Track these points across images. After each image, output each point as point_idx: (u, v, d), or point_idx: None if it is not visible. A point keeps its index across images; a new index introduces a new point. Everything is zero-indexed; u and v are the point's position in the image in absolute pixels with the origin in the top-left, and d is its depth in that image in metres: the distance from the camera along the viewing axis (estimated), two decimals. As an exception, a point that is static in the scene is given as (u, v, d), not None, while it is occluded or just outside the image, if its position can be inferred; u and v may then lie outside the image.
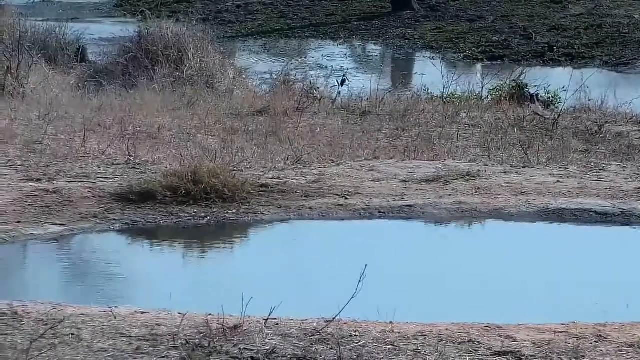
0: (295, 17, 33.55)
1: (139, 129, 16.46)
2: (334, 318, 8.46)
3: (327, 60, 28.73)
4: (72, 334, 8.55)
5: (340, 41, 31.35)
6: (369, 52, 31.03)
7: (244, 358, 8.08)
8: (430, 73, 24.19)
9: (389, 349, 8.37)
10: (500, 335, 8.72)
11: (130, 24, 27.68)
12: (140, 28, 23.45)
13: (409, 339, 8.52)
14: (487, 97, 19.84)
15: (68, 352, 8.11)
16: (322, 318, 8.51)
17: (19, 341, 8.04)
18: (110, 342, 8.47)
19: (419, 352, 8.28)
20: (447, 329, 8.72)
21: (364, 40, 31.44)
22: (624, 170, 14.79)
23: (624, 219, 12.56)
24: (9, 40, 21.65)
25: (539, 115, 18.52)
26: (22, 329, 8.56)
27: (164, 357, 8.08)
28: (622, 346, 8.69)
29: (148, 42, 21.36)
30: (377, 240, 12.16)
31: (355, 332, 8.58)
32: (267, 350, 8.09)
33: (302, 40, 32.00)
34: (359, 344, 8.42)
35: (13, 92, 19.48)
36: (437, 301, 10.23)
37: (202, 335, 8.27)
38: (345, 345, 8.28)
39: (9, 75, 19.88)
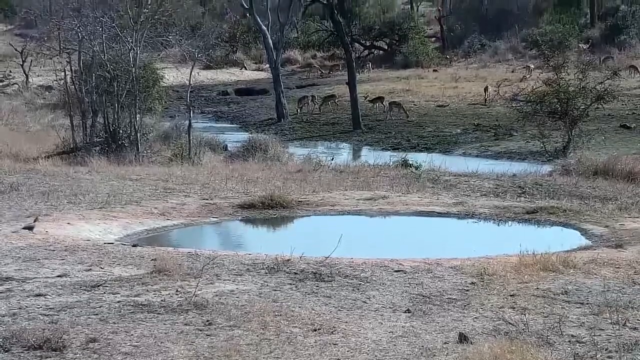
0: (312, 132, 40.20)
1: (246, 177, 20.18)
2: (328, 257, 11.30)
3: (326, 149, 35.42)
4: (220, 262, 11.37)
5: (331, 142, 38.15)
6: (342, 146, 37.23)
7: (290, 272, 10.74)
8: (369, 155, 30.88)
9: (351, 268, 11.05)
10: (398, 263, 11.40)
11: (246, 134, 35.95)
12: (250, 136, 32.06)
13: (360, 265, 11.25)
14: (392, 165, 24.54)
15: (222, 268, 11.06)
16: (323, 256, 11.34)
17: (199, 265, 10.86)
18: (235, 266, 11.20)
19: (363, 269, 10.99)
20: (375, 260, 11.50)
21: (340, 142, 38.12)
22: (447, 196, 18.65)
23: (448, 214, 16.52)
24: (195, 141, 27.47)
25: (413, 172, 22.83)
26: (199, 260, 11.41)
27: (259, 272, 10.83)
28: (448, 268, 11.21)
29: (252, 142, 28.16)
30: (347, 223, 16.21)
31: (337, 262, 11.29)
32: (301, 269, 10.78)
33: (316, 141, 38.32)
34: (339, 267, 11.10)
35: (195, 162, 24.85)
36: (373, 249, 13.52)
37: (273, 263, 11.05)
38: (332, 267, 11.00)
39: (190, 156, 25.91)
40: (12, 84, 49.56)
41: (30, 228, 13.73)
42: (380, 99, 42.86)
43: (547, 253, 11.65)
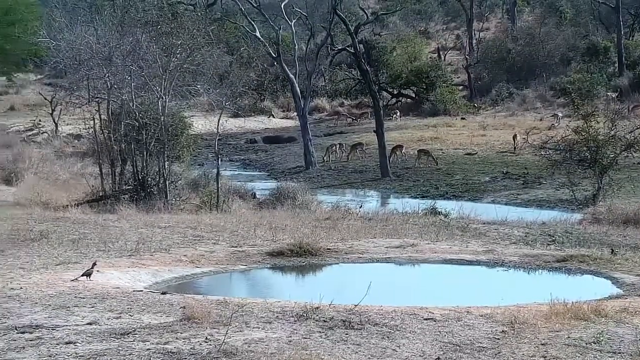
0: (340, 180, 40.39)
1: (274, 225, 20.34)
2: (357, 304, 11.31)
3: (354, 196, 35.62)
4: (250, 310, 11.37)
5: (359, 189, 38.20)
6: (371, 194, 37.26)
7: (319, 320, 10.73)
8: (397, 203, 30.56)
9: (380, 316, 11.00)
10: (427, 311, 11.40)
11: (274, 182, 36.66)
12: (279, 184, 32.86)
13: (389, 313, 11.25)
14: (421, 212, 24.70)
15: (251, 316, 11.06)
16: (353, 304, 11.36)
17: (228, 313, 10.97)
18: (264, 313, 11.21)
19: (393, 317, 10.97)
20: (405, 308, 11.51)
21: (369, 190, 38.17)
22: (477, 244, 18.72)
23: (477, 262, 16.68)
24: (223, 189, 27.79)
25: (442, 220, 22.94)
26: (228, 308, 11.53)
27: (288, 320, 10.84)
28: (478, 316, 11.17)
29: (281, 190, 28.92)
30: (376, 271, 16.16)
31: (366, 310, 11.29)
32: (330, 317, 10.76)
33: (344, 189, 38.57)
34: (368, 314, 11.07)
35: (224, 210, 25.22)
36: (402, 296, 13.77)
37: (302, 310, 11.08)
38: (362, 315, 10.98)
39: (218, 204, 25.92)
40: (42, 133, 50.16)
41: (88, 275, 13.86)
42: (399, 147, 42.98)
43: (578, 302, 11.64)
